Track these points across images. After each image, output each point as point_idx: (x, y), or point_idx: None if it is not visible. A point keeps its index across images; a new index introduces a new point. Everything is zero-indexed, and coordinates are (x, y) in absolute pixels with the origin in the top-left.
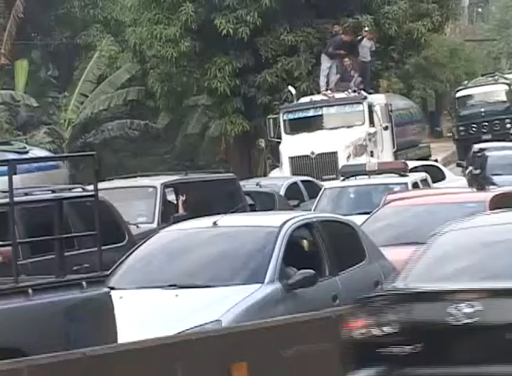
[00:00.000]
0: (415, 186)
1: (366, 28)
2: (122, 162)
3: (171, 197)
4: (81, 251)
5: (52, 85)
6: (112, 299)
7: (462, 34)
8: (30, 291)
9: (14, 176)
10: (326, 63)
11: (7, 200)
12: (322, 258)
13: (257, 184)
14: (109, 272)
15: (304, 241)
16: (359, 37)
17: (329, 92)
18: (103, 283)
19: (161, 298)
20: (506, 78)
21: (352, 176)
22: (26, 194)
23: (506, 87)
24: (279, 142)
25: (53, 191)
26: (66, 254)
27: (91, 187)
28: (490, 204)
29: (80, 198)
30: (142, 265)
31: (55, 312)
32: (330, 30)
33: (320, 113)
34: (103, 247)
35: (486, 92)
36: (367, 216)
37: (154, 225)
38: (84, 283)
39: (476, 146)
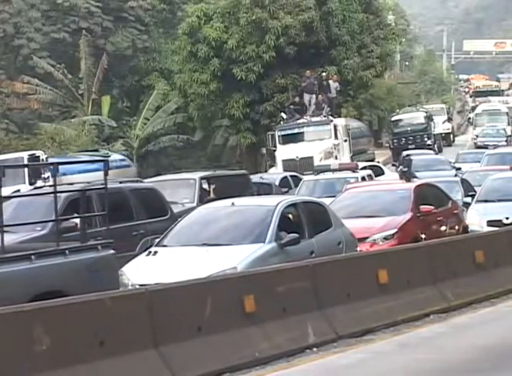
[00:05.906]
0: (363, 179)
1: (327, 74)
2: (172, 163)
3: (205, 186)
4: (137, 222)
5: (126, 112)
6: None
7: (395, 79)
8: (66, 252)
9: (98, 172)
10: (306, 97)
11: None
12: (303, 226)
13: (261, 177)
14: (162, 235)
15: (292, 215)
16: (325, 79)
17: (308, 117)
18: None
19: (197, 252)
20: (424, 108)
21: (323, 172)
22: (101, 184)
23: (424, 113)
24: (275, 150)
25: (120, 182)
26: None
27: (149, 179)
28: (413, 190)
29: (141, 189)
30: (185, 230)
31: (80, 267)
32: (303, 74)
33: (302, 131)
34: (155, 219)
35: (411, 117)
36: (333, 198)
37: (194, 204)
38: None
39: (404, 153)
